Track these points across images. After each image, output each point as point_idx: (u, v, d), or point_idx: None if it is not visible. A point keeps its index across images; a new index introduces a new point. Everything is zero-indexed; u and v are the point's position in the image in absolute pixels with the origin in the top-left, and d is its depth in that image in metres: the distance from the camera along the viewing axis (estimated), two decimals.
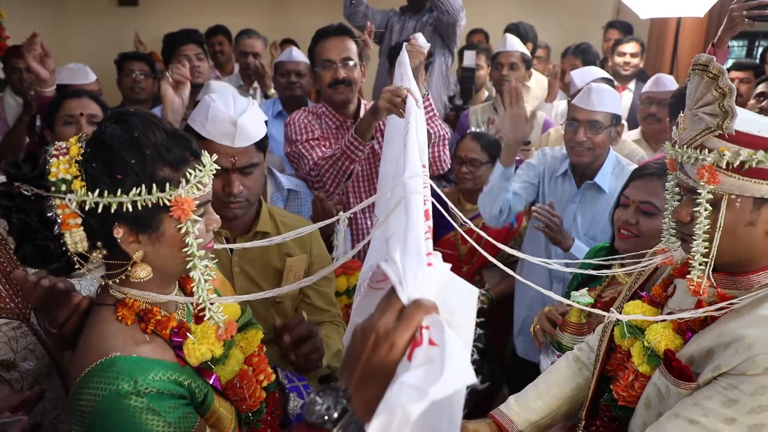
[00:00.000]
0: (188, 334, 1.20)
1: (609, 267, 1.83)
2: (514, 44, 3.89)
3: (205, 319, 1.20)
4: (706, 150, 1.17)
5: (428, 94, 2.60)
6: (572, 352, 1.72)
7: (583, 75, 3.52)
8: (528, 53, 3.98)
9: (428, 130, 2.58)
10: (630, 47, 4.69)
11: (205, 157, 1.18)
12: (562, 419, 1.63)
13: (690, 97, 1.22)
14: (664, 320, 1.31)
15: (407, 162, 1.24)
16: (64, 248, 1.11)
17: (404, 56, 2.15)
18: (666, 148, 1.30)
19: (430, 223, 1.01)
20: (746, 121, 1.17)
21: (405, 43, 2.23)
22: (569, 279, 2.42)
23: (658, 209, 1.87)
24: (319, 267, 2.00)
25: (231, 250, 1.85)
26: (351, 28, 2.81)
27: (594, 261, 1.66)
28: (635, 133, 3.79)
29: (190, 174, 1.12)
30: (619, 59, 4.69)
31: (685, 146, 1.22)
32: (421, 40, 2.42)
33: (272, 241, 1.37)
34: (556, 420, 1.62)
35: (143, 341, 1.15)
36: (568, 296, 2.14)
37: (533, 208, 2.60)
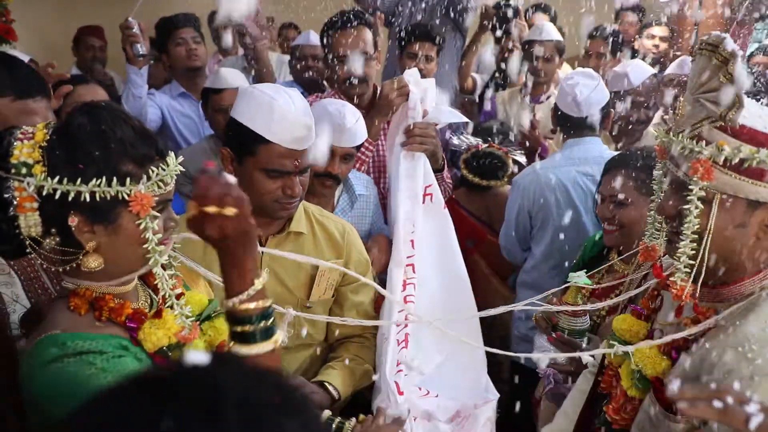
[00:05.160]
0: (143, 318, 1.18)
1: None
2: (551, 33, 3.64)
3: (175, 314, 1.18)
4: (704, 142, 1.06)
5: (444, 165, 2.54)
6: (589, 369, 1.63)
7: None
8: (562, 41, 3.75)
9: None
10: (660, 30, 4.58)
11: (171, 157, 1.17)
12: None
13: (693, 80, 1.10)
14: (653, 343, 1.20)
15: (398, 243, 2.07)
16: (17, 231, 1.10)
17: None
18: (659, 133, 1.18)
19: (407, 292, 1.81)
20: (751, 114, 1.05)
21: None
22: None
23: (626, 198, 1.90)
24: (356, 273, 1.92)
25: (261, 250, 1.78)
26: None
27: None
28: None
29: (153, 172, 1.11)
30: (648, 42, 4.59)
31: (680, 135, 1.10)
32: (414, 75, 2.26)
33: (304, 259, 1.53)
34: None
35: (95, 327, 1.14)
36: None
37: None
